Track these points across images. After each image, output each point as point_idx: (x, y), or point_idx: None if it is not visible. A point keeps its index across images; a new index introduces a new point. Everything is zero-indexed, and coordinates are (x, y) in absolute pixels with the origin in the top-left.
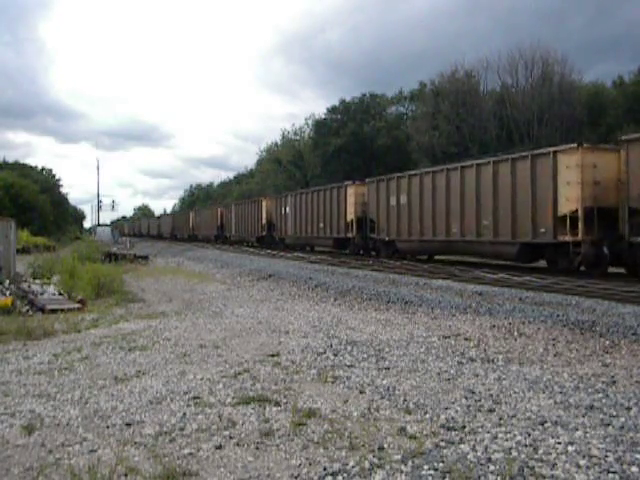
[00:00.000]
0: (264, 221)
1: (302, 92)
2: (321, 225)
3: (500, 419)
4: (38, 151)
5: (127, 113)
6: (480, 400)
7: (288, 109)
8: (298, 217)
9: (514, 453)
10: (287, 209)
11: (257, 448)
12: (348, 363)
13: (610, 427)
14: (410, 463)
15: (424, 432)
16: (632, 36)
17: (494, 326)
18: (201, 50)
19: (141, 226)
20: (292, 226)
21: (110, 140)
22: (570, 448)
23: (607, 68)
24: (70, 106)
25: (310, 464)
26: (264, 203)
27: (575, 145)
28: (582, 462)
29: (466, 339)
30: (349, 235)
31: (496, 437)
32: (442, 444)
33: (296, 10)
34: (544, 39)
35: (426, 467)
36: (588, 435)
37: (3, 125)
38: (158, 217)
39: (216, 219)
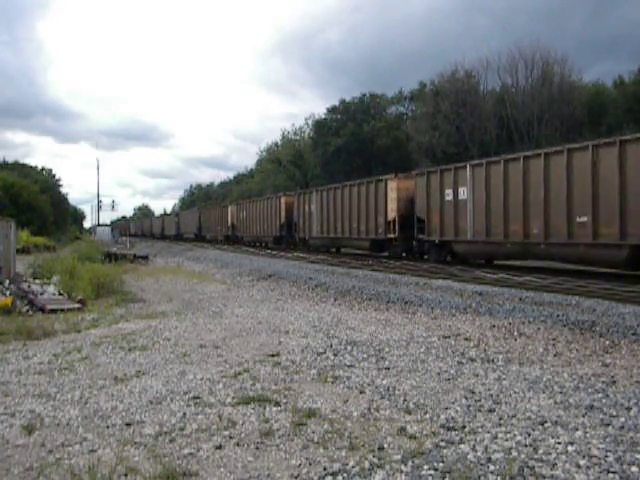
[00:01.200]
0: (391, 215)
1: (301, 92)
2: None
3: (500, 419)
4: (37, 151)
5: (126, 113)
6: (480, 400)
7: (287, 109)
8: (483, 207)
9: (514, 453)
10: (462, 193)
11: (257, 448)
12: (348, 363)
13: (610, 427)
14: (410, 463)
15: (424, 432)
16: (630, 36)
17: (494, 326)
18: (200, 49)
19: (152, 225)
20: (473, 223)
21: (109, 140)
22: (570, 448)
23: (605, 68)
24: (69, 106)
25: (310, 464)
26: (392, 185)
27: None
28: (582, 462)
29: (466, 339)
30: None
31: (496, 437)
32: (442, 444)
33: (295, 10)
34: (542, 39)
35: (426, 467)
36: (588, 435)
37: (2, 125)
38: (177, 214)
39: (278, 214)
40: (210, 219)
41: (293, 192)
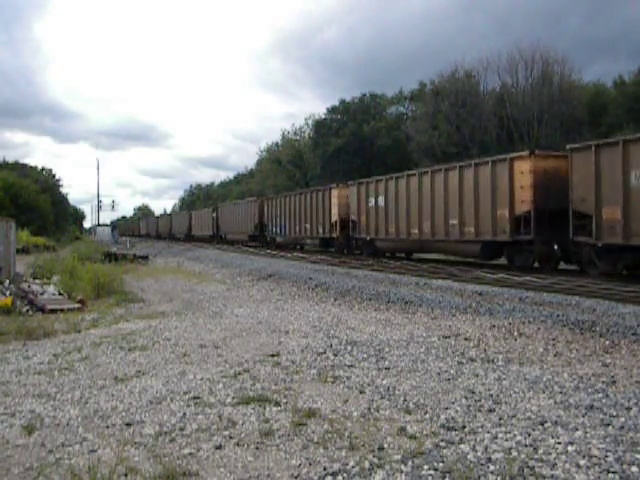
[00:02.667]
0: None
1: (300, 92)
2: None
3: (500, 419)
4: (36, 151)
5: (125, 113)
6: (480, 400)
7: (286, 109)
8: None
9: (514, 453)
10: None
11: (257, 448)
12: (348, 363)
13: (610, 427)
14: (410, 463)
15: (424, 432)
16: (628, 35)
17: (494, 326)
18: (198, 49)
19: (172, 224)
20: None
21: (108, 140)
22: (570, 448)
23: (604, 67)
24: (67, 106)
25: (310, 464)
26: None
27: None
28: (582, 462)
29: (466, 339)
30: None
31: (496, 437)
32: (442, 444)
33: (293, 9)
34: (541, 38)
35: (426, 467)
36: (588, 435)
37: (1, 125)
38: (214, 208)
39: (506, 195)
40: (285, 213)
41: (546, 151)
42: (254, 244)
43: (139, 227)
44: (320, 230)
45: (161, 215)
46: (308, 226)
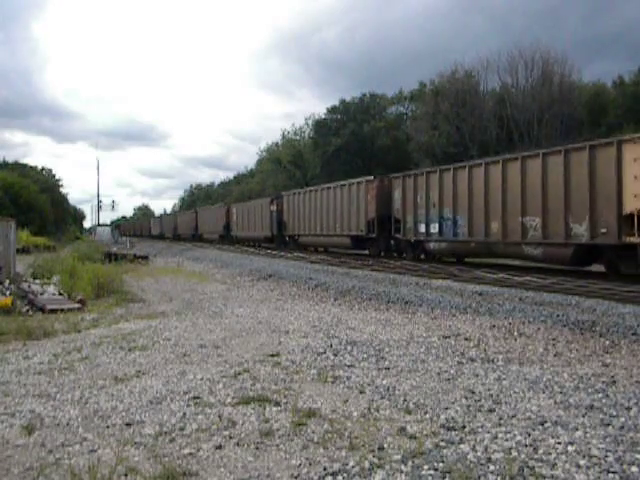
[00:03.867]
0: None
1: (298, 91)
2: None
3: (500, 419)
4: (36, 151)
5: (124, 113)
6: (480, 400)
7: (285, 109)
8: None
9: (514, 453)
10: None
11: (257, 448)
12: (348, 363)
13: (610, 427)
14: (410, 463)
15: (424, 432)
16: (629, 35)
17: (494, 326)
18: (197, 49)
19: (197, 222)
20: None
21: (107, 140)
22: (570, 448)
23: (604, 67)
24: (66, 106)
25: (310, 464)
26: None
27: None
28: (582, 462)
29: (466, 339)
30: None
31: (496, 437)
32: (442, 444)
33: (292, 9)
34: (541, 38)
35: (426, 467)
36: (588, 435)
37: (0, 125)
38: (275, 197)
39: None
40: (454, 199)
41: None
42: (363, 252)
43: (149, 226)
44: (581, 229)
45: (181, 211)
46: (536, 222)
